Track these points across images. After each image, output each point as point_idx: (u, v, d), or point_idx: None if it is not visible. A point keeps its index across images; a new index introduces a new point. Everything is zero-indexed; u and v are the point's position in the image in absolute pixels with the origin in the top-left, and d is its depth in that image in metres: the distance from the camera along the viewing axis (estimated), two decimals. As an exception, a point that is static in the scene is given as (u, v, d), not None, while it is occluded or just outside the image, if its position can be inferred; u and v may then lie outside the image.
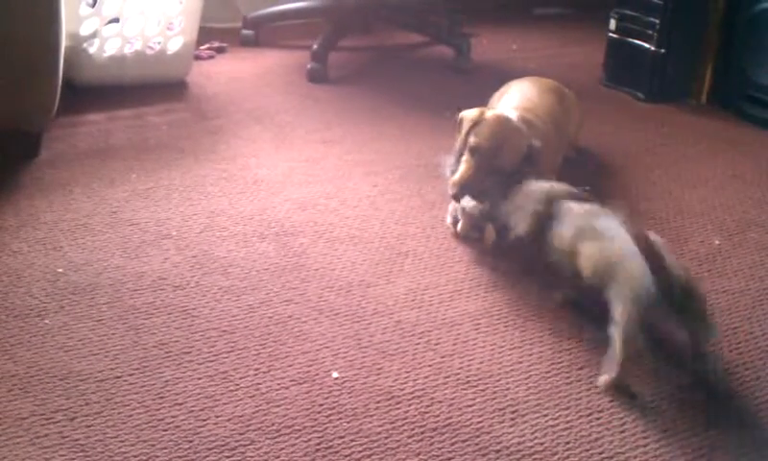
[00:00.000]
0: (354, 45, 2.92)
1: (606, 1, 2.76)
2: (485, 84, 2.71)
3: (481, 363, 1.43)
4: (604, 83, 2.75)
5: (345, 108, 2.44)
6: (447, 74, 2.78)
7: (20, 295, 1.52)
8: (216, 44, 2.81)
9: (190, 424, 1.25)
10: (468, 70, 2.79)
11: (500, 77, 2.79)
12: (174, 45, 2.46)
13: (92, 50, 2.35)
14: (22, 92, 1.93)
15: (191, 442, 1.22)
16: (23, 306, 1.49)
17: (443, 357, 1.43)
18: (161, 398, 1.30)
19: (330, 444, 1.23)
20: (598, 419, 1.32)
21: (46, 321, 1.46)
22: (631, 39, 2.65)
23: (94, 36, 2.34)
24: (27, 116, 2.00)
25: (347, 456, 1.21)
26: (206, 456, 1.19)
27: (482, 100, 2.57)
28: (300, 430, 1.25)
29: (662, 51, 2.58)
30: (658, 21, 2.57)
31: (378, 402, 1.32)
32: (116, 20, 2.35)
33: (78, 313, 1.48)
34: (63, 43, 1.97)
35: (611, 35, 2.71)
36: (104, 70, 2.39)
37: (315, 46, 2.64)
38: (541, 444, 1.26)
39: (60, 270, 1.60)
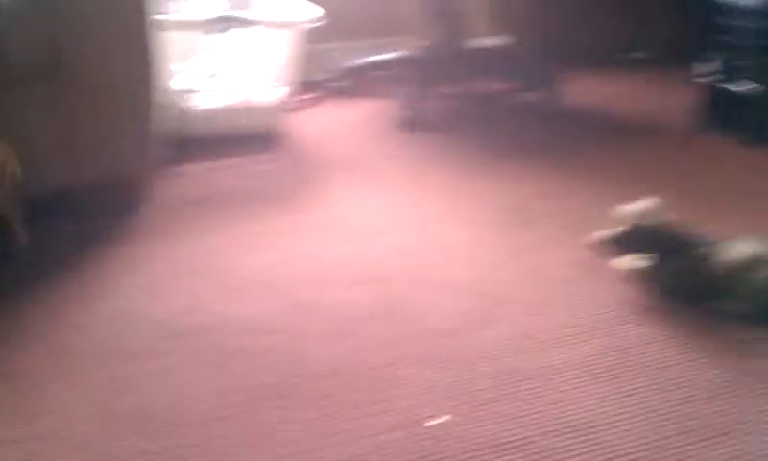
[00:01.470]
0: (446, 93, 2.95)
1: (694, 43, 2.70)
2: (577, 129, 2.71)
3: (583, 412, 1.39)
4: (698, 126, 2.68)
5: (437, 154, 2.46)
6: (538, 119, 2.77)
7: (125, 339, 1.57)
8: (311, 95, 2.88)
9: (292, 467, 1.26)
10: (558, 115, 2.78)
11: (592, 121, 2.79)
12: (271, 97, 2.54)
13: (190, 104, 2.45)
14: (120, 144, 2.02)
15: (292, 485, 1.22)
16: (128, 350, 1.54)
17: (543, 406, 1.40)
18: (261, 440, 1.31)
19: (431, 491, 1.22)
20: (707, 473, 1.26)
21: (151, 364, 1.50)
22: (725, 83, 2.59)
23: (195, 89, 2.43)
24: (126, 167, 2.08)
25: (448, 504, 1.20)
26: (309, 500, 1.20)
27: (573, 145, 2.56)
28: (400, 476, 1.25)
29: (760, 93, 2.51)
30: (754, 63, 2.51)
31: (476, 451, 1.30)
32: (216, 73, 2.44)
33: (180, 357, 1.52)
34: (160, 97, 2.06)
35: (703, 78, 2.65)
36: (204, 122, 2.48)
37: (407, 95, 2.68)
38: (647, 497, 1.22)
39: (163, 315, 1.65)
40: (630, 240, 1.70)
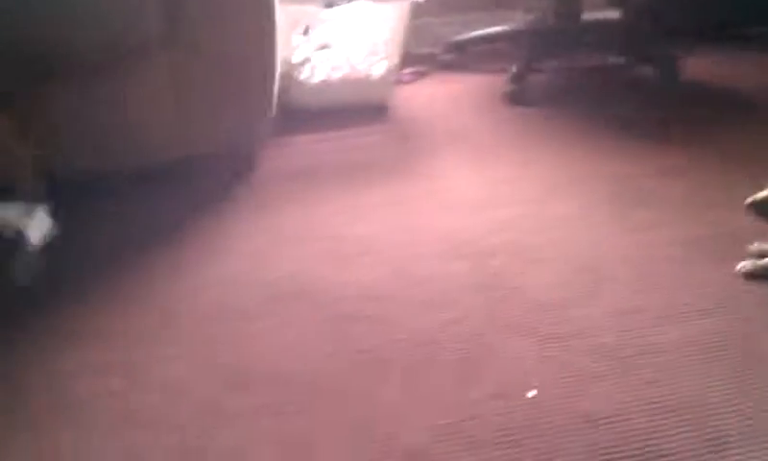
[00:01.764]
0: (554, 67, 2.90)
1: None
2: (691, 106, 2.62)
3: (687, 393, 1.36)
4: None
5: (544, 129, 2.43)
6: (652, 95, 2.69)
7: (229, 301, 1.64)
8: (417, 68, 2.90)
9: (388, 429, 1.29)
10: (673, 92, 2.69)
11: (708, 99, 2.69)
12: (378, 70, 2.57)
13: (303, 76, 2.50)
14: (240, 116, 2.09)
15: (389, 445, 1.25)
16: (232, 311, 1.60)
17: (645, 384, 1.38)
18: (361, 401, 1.35)
19: (525, 461, 1.23)
20: (818, 461, 1.22)
21: (255, 325, 1.56)
22: None
23: (305, 62, 2.49)
24: (243, 138, 2.15)
25: (542, 475, 1.20)
26: (402, 461, 1.23)
27: (687, 123, 2.48)
28: (495, 444, 1.25)
29: None
30: None
31: (575, 424, 1.30)
32: (325, 47, 2.48)
33: (284, 319, 1.57)
34: (278, 69, 2.11)
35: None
36: (313, 94, 2.53)
37: (514, 68, 2.66)
38: (751, 482, 1.18)
39: (268, 280, 1.70)
40: None
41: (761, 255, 1.69)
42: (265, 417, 1.32)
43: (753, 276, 1.65)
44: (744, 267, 1.66)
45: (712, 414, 1.31)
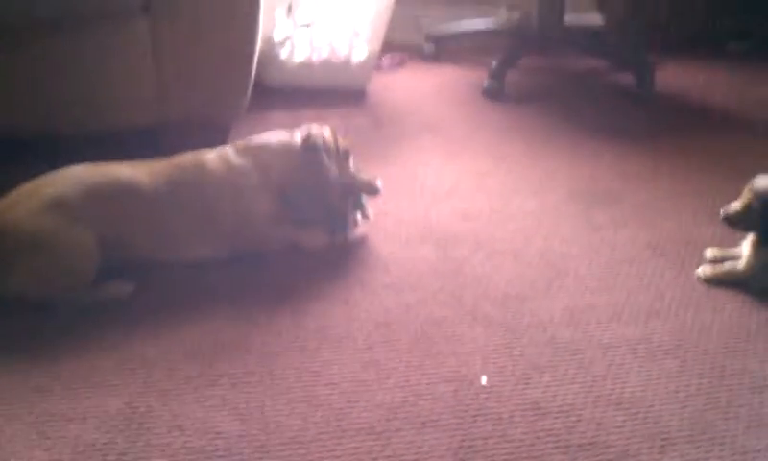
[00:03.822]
0: (534, 66, 2.93)
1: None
2: (664, 114, 2.66)
3: (634, 388, 1.39)
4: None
5: (518, 126, 2.46)
6: (626, 101, 2.73)
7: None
8: (398, 57, 2.91)
9: (341, 405, 1.31)
10: (648, 99, 2.73)
11: (681, 108, 2.73)
12: (358, 55, 2.58)
13: (283, 55, 2.51)
14: (219, 87, 2.08)
15: (340, 422, 1.27)
16: (198, 288, 1.62)
17: (594, 378, 1.41)
18: (317, 377, 1.37)
19: (473, 444, 1.25)
20: (754, 460, 1.25)
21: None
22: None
23: (286, 40, 2.49)
24: (220, 109, 2.15)
25: (488, 457, 1.22)
26: (354, 436, 1.24)
27: (659, 130, 2.52)
28: (444, 426, 1.28)
29: None
30: None
31: (524, 412, 1.32)
32: (307, 25, 2.49)
33: (248, 296, 1.59)
34: (259, 45, 2.11)
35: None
36: (292, 74, 2.54)
37: (493, 64, 2.68)
38: (690, 477, 1.22)
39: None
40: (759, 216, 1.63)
41: (715, 261, 1.73)
42: (222, 387, 1.34)
43: (712, 281, 1.69)
44: (704, 272, 1.70)
45: (657, 411, 1.34)
